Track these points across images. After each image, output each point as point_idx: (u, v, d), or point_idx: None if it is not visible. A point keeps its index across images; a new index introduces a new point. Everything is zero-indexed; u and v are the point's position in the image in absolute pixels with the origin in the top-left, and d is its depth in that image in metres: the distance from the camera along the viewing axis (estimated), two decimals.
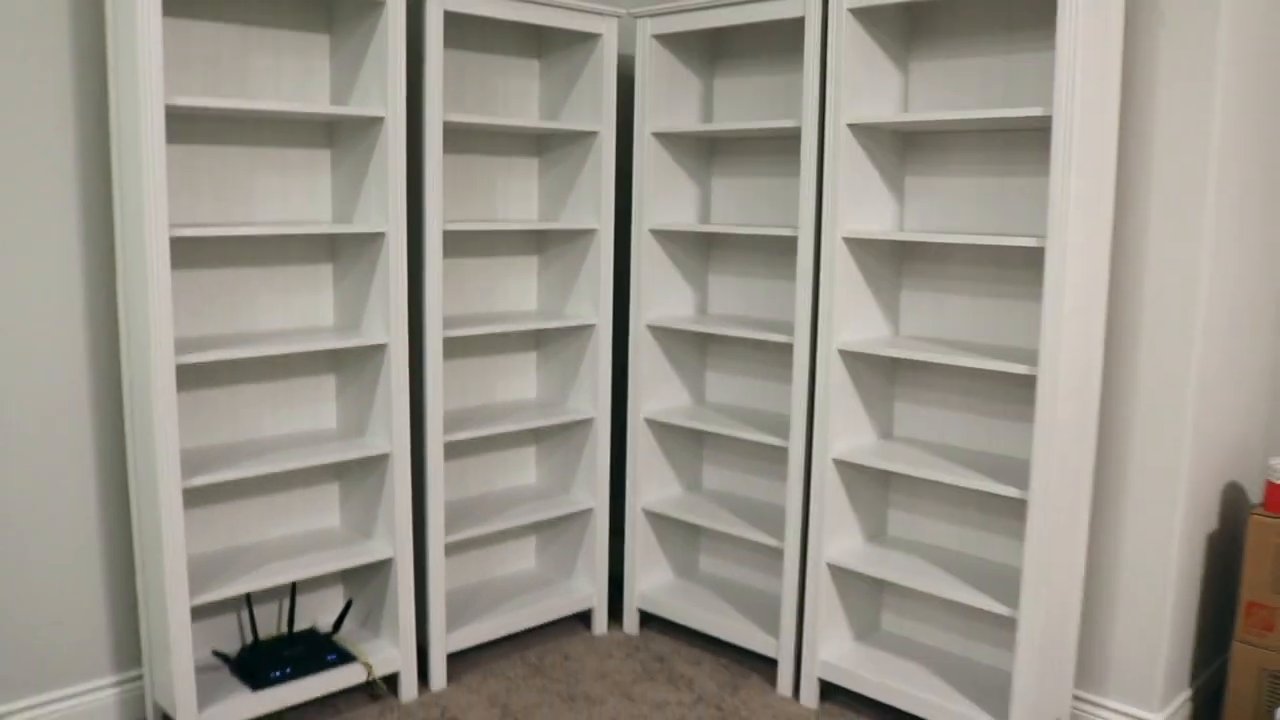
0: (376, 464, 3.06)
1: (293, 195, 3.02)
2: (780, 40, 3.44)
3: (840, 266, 2.98)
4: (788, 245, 3.49)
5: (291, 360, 3.08)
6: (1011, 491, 2.69)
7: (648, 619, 3.78)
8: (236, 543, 3.05)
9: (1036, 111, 2.55)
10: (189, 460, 2.77)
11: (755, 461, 3.66)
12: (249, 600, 2.94)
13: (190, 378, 2.89)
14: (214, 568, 2.85)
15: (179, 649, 2.60)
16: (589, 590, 3.62)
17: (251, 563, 2.90)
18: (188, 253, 2.85)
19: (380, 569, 3.12)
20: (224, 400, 2.96)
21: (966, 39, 3.02)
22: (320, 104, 2.81)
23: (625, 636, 3.63)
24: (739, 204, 3.60)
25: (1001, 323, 3.02)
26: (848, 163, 2.96)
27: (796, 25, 3.40)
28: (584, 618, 3.75)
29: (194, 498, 2.93)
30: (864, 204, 3.04)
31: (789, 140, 3.45)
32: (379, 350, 2.99)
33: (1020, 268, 2.97)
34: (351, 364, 3.12)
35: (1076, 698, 2.99)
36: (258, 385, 3.03)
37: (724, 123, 3.21)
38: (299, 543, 3.07)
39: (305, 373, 3.12)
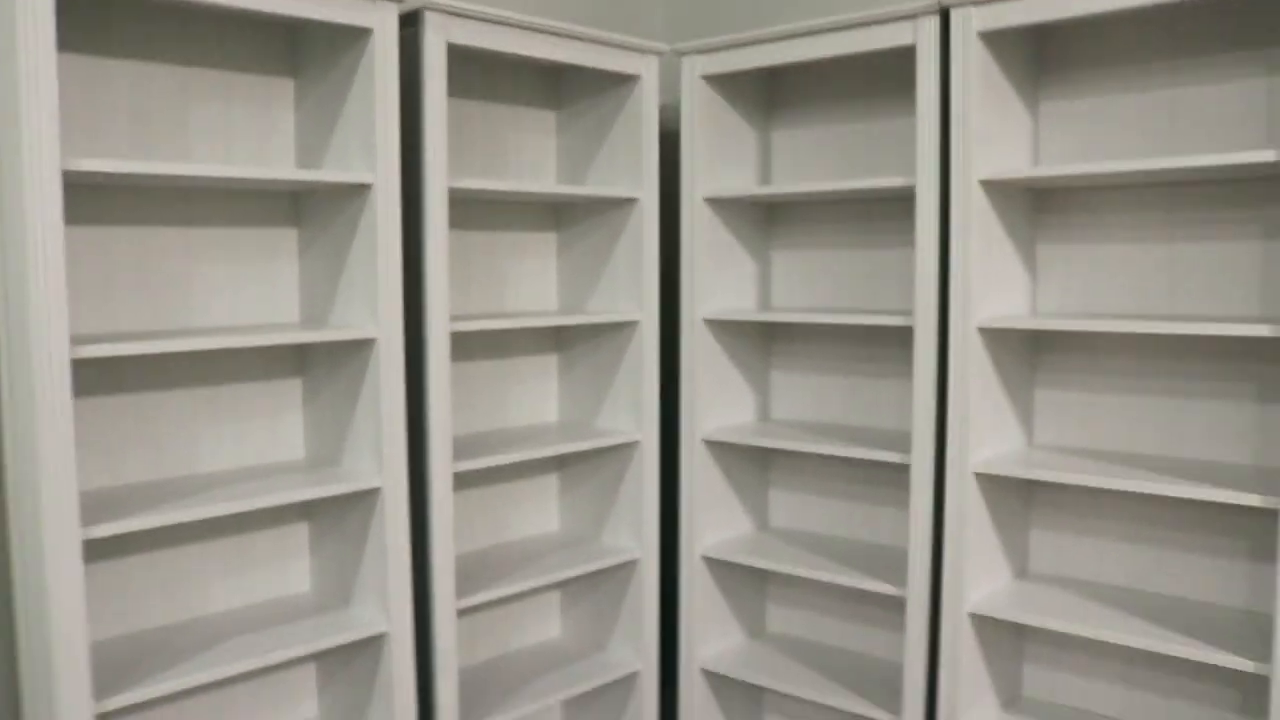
0: (367, 649, 2.28)
1: (246, 290, 2.27)
2: (851, 81, 2.76)
3: (975, 363, 2.28)
4: (874, 334, 2.78)
5: (248, 517, 2.30)
6: (1246, 665, 1.97)
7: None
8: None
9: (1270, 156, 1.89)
10: (105, 659, 1.98)
11: (838, 603, 2.92)
12: None
13: (108, 548, 2.11)
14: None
15: None
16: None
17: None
18: (98, 376, 2.08)
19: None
20: (156, 568, 2.17)
21: (1107, 69, 2.36)
22: (284, 168, 2.07)
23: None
24: (803, 283, 2.90)
25: (1170, 430, 2.33)
26: (981, 229, 2.27)
27: (872, 62, 2.72)
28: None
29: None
30: (999, 283, 2.35)
31: (868, 204, 2.76)
32: (368, 496, 2.23)
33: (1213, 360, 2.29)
34: (330, 512, 2.35)
35: None
36: (205, 545, 2.25)
37: (818, 183, 2.51)
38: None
39: (268, 525, 2.34)
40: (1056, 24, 2.33)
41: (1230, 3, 2.20)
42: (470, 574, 2.55)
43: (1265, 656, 1.99)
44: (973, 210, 2.24)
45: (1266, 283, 2.20)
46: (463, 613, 2.74)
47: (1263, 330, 1.92)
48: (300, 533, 2.40)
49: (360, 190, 2.15)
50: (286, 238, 2.33)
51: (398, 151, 2.15)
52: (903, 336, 2.73)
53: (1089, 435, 2.45)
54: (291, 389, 2.36)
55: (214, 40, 2.19)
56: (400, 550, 2.21)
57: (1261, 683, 2.26)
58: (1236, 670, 2.27)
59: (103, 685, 1.87)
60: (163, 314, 2.15)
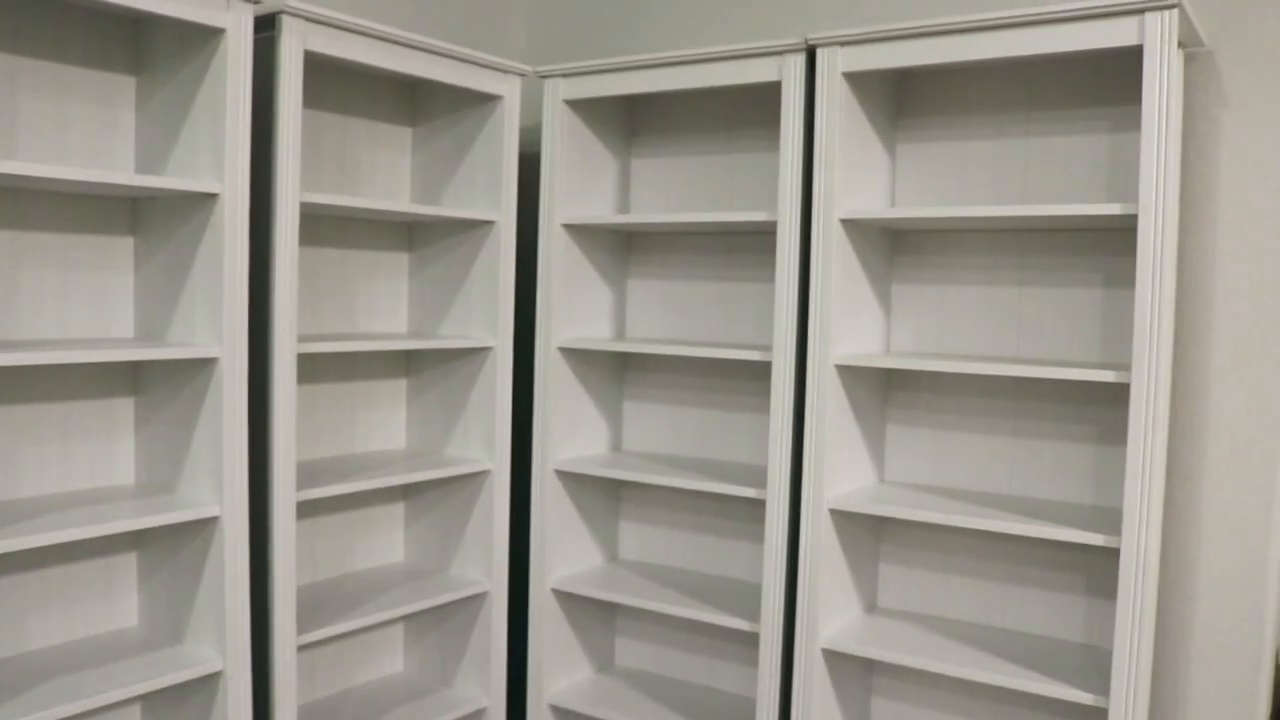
0: (200, 689, 2.13)
1: (76, 301, 2.10)
2: (714, 111, 2.77)
3: (832, 400, 2.30)
4: (730, 367, 2.79)
5: (72, 547, 2.12)
6: (1084, 698, 2.03)
7: None
8: None
9: (1114, 209, 1.97)
10: None
11: (687, 636, 2.90)
12: None
13: None
14: None
15: None
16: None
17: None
18: None
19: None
20: None
21: (964, 116, 2.44)
22: (123, 172, 1.93)
23: None
24: (660, 313, 2.89)
25: (1019, 469, 2.41)
26: (840, 266, 2.29)
27: (736, 93, 2.74)
28: None
29: None
30: (856, 320, 2.39)
31: (728, 237, 2.77)
32: (206, 525, 2.08)
33: (1073, 402, 2.37)
34: (163, 542, 2.19)
35: None
36: (23, 576, 2.06)
37: (680, 214, 2.49)
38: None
39: (94, 555, 2.17)
40: (917, 69, 2.39)
41: (1080, 62, 2.30)
42: (312, 607, 2.42)
43: (1103, 690, 2.05)
44: (833, 247, 2.27)
45: (1107, 328, 2.30)
46: (303, 648, 2.60)
47: (1106, 375, 2.00)
48: (129, 563, 2.23)
49: (206, 200, 2.03)
50: (122, 246, 2.17)
51: (248, 160, 2.03)
52: (757, 370, 2.74)
53: (938, 472, 2.51)
54: (123, 409, 2.19)
55: (50, 29, 2.03)
56: (239, 582, 2.07)
57: (1099, 714, 2.34)
58: (1076, 703, 2.34)
59: None
60: None
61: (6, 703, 1.82)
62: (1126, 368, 2.04)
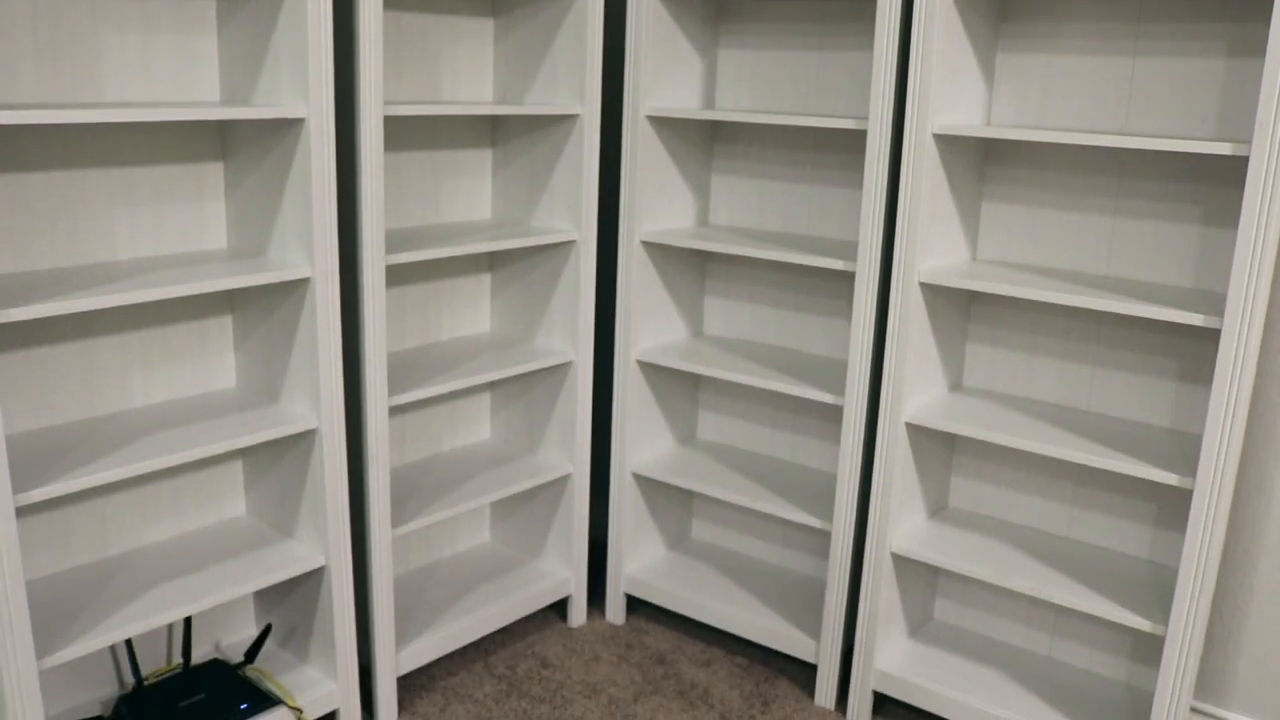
0: (299, 441, 2.23)
1: (160, 63, 2.09)
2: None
3: (928, 172, 2.22)
4: (821, 139, 2.70)
5: (169, 308, 2.19)
6: (1169, 478, 2.03)
7: (634, 604, 3.06)
8: (101, 553, 2.19)
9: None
10: (21, 454, 1.89)
11: (771, 409, 2.93)
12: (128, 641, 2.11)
13: (16, 336, 1.99)
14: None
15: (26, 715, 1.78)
16: (565, 574, 2.87)
17: (125, 591, 2.05)
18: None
19: (307, 578, 2.32)
20: (72, 360, 2.07)
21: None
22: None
23: (611, 629, 2.91)
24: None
25: (1109, 250, 2.32)
26: (942, 30, 2.17)
27: None
28: (557, 606, 3.01)
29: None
30: (954, 90, 2.27)
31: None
32: (297, 287, 2.12)
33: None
34: (257, 304, 2.25)
35: (1195, 710, 2.42)
36: (124, 337, 2.13)
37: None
38: (192, 550, 2.23)
39: (191, 318, 2.23)
40: None
41: None
42: (401, 372, 2.48)
43: (1188, 472, 2.04)
44: (936, 10, 2.13)
45: (1225, 102, 2.16)
46: (394, 411, 2.69)
47: (1222, 148, 1.89)
48: (225, 326, 2.30)
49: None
50: (214, 173, 2.20)
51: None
52: (850, 142, 2.65)
53: (1032, 250, 2.44)
54: (213, 173, 2.21)
55: None
56: (332, 342, 2.12)
57: (1181, 496, 2.33)
58: (1156, 483, 2.34)
59: (21, 478, 1.79)
60: (70, 87, 1.96)
61: (115, 453, 1.92)
62: (1246, 139, 1.92)
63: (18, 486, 1.74)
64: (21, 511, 2.04)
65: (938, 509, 2.60)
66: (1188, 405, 2.29)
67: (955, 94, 2.26)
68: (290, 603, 2.38)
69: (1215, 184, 2.19)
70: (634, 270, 2.70)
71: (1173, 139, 1.94)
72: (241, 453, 2.38)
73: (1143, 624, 2.11)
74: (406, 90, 2.54)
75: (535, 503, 2.90)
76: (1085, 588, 2.23)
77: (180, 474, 2.28)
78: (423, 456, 2.80)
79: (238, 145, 2.18)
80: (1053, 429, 2.26)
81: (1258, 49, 2.10)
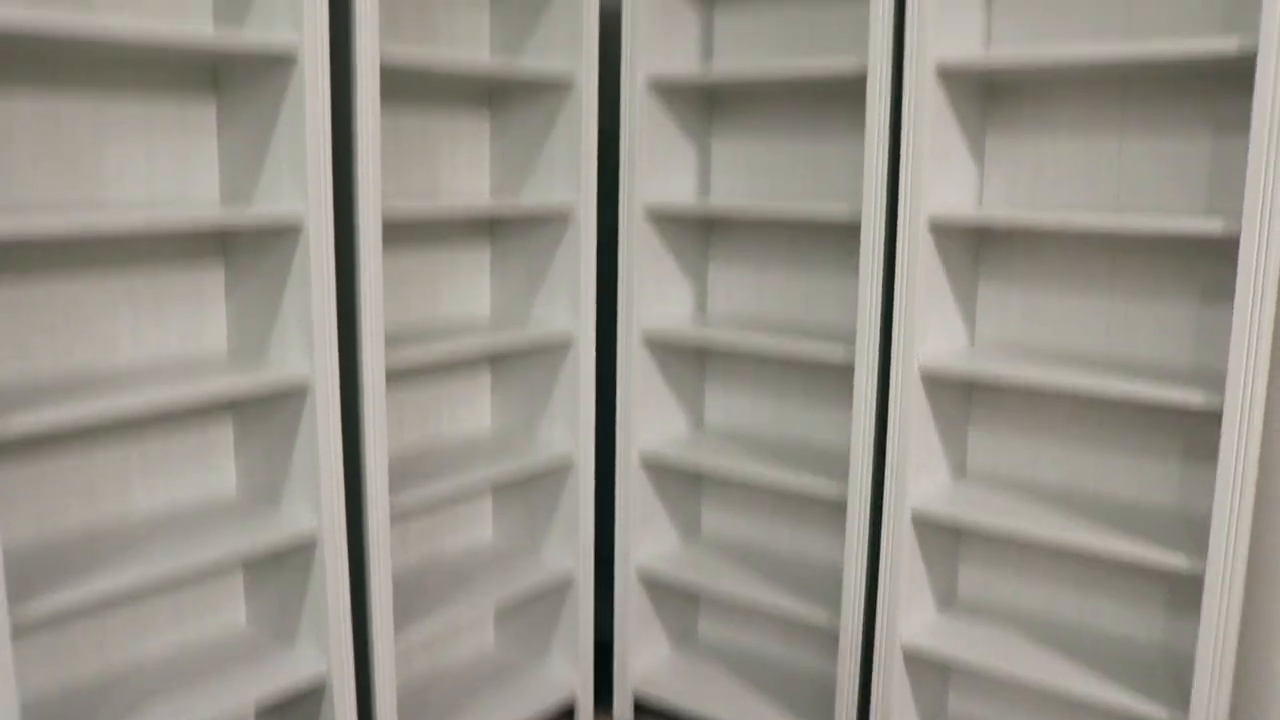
0: (299, 548, 2.19)
1: (161, 167, 2.11)
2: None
3: (923, 256, 2.24)
4: (820, 230, 2.72)
5: (169, 413, 2.17)
6: (1178, 561, 2.00)
7: (641, 708, 2.98)
8: (99, 666, 2.13)
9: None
10: (17, 566, 1.85)
11: (774, 501, 2.90)
12: None
13: (12, 443, 1.97)
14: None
15: None
16: (571, 678, 2.80)
17: (123, 705, 1.99)
18: None
19: (309, 688, 2.26)
20: (70, 466, 2.04)
21: None
22: (200, 27, 1.89)
23: None
24: (746, 174, 2.82)
25: (1106, 330, 2.33)
26: (932, 119, 2.20)
27: None
28: (565, 711, 2.94)
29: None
30: (948, 175, 2.30)
31: (814, 95, 2.68)
32: (298, 390, 2.11)
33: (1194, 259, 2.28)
34: (257, 407, 2.23)
35: None
36: (123, 443, 2.11)
37: (775, 64, 2.41)
38: (192, 661, 2.18)
39: (191, 422, 2.21)
40: None
41: None
42: (401, 474, 2.46)
43: (1198, 555, 2.01)
44: (925, 97, 2.17)
45: (1214, 181, 2.18)
46: (395, 514, 2.66)
47: (1214, 226, 1.90)
48: (225, 430, 2.28)
49: (284, 60, 1.99)
50: (205, 110, 2.16)
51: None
52: (845, 231, 2.67)
53: (1030, 333, 2.44)
54: (214, 276, 2.21)
55: None
56: (333, 446, 2.10)
57: (1193, 581, 2.30)
58: (1167, 568, 2.30)
59: (17, 592, 1.75)
60: (71, 193, 1.98)
61: (112, 561, 1.89)
62: (1237, 215, 1.94)
63: (13, 598, 1.71)
64: (18, 630, 1.99)
65: (947, 600, 2.56)
66: (1194, 484, 2.27)
67: (947, 180, 2.29)
68: (293, 714, 2.31)
69: (1209, 260, 2.21)
70: (634, 364, 2.70)
71: (1164, 218, 1.96)
72: (241, 559, 2.34)
73: (1161, 714, 2.05)
74: (405, 187, 2.57)
75: (539, 604, 2.85)
76: (1100, 677, 2.19)
77: (180, 582, 2.24)
78: (424, 558, 2.75)
79: (238, 248, 2.19)
80: (1059, 513, 2.24)
81: (1242, 126, 2.13)
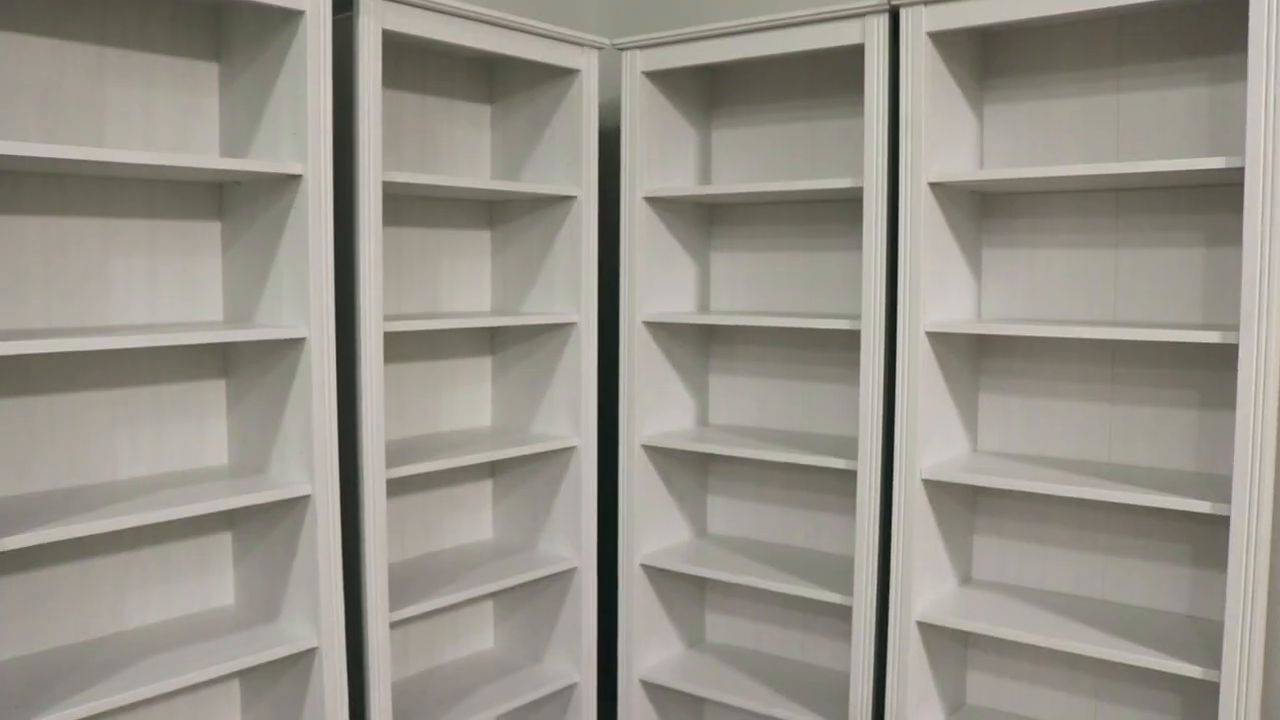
0: (298, 661, 2.17)
1: (164, 285, 2.14)
2: (795, 78, 2.72)
3: (923, 367, 2.25)
4: (816, 338, 2.74)
5: (168, 527, 2.17)
6: (1192, 671, 1.96)
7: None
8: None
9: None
10: (10, 683, 1.83)
11: (780, 610, 2.87)
12: None
13: (11, 559, 1.96)
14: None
15: None
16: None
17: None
18: (4, 376, 1.94)
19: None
20: (67, 581, 2.03)
21: (1052, 74, 2.35)
22: (209, 156, 1.95)
23: None
24: (744, 285, 2.85)
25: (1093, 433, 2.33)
26: (929, 231, 2.24)
27: (816, 58, 2.69)
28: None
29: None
30: (946, 286, 2.33)
31: (812, 205, 2.72)
32: (298, 504, 2.11)
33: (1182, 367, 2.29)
34: (257, 521, 2.23)
35: None
36: (121, 557, 2.11)
37: (763, 183, 2.45)
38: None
39: (190, 536, 2.21)
40: (1003, 26, 2.31)
41: (1175, 11, 2.20)
42: (402, 584, 2.44)
43: (1211, 663, 1.98)
44: (921, 212, 2.21)
45: (1209, 289, 2.21)
46: (396, 625, 2.63)
47: (1212, 336, 1.92)
48: (224, 543, 2.27)
49: (290, 181, 2.04)
50: (210, 231, 2.20)
51: (330, 141, 2.04)
52: (845, 341, 2.69)
53: (1032, 441, 2.44)
54: (214, 391, 2.23)
55: (134, 19, 2.05)
56: (332, 560, 2.09)
57: (1208, 689, 2.26)
58: (1180, 676, 2.27)
59: (8, 710, 1.73)
60: (76, 310, 2.01)
61: (108, 679, 1.87)
62: (1233, 328, 1.96)
63: (6, 717, 1.69)
64: None
65: (955, 708, 2.51)
66: (1204, 591, 2.25)
67: (945, 290, 2.31)
68: None
69: (1207, 367, 2.22)
70: (635, 473, 2.70)
71: (1161, 331, 1.97)
72: (239, 671, 2.31)
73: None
74: (407, 300, 2.60)
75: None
76: None
77: (175, 696, 2.21)
78: (425, 669, 2.72)
79: (239, 364, 2.21)
80: (1068, 621, 2.21)
81: (1233, 235, 2.16)
